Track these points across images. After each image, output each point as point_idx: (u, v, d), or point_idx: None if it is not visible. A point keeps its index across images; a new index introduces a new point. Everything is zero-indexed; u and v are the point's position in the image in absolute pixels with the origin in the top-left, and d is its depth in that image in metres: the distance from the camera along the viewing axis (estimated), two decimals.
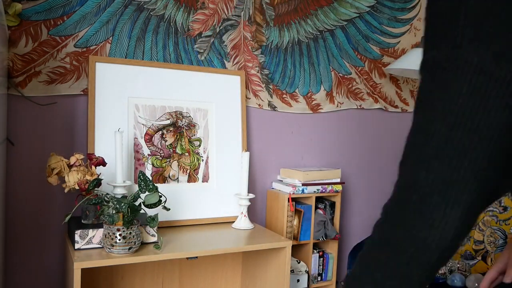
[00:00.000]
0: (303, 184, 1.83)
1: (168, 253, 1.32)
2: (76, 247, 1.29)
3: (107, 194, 1.29)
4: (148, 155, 1.62)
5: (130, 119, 1.60)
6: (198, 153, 1.71)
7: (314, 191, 1.87)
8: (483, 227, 1.95)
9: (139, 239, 1.29)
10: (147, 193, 1.30)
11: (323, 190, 1.89)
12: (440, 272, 1.87)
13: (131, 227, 1.26)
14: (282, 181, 1.94)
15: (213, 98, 1.75)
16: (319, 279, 1.95)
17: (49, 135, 1.55)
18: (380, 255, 0.55)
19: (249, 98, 1.89)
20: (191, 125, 1.71)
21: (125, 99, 1.59)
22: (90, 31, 1.58)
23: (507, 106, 0.49)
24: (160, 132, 1.65)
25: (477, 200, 0.52)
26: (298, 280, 1.85)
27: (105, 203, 1.27)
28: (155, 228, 1.37)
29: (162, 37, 1.70)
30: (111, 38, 1.62)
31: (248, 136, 1.88)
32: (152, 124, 1.64)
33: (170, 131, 1.67)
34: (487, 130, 0.50)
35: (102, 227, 1.30)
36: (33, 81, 1.50)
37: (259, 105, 1.92)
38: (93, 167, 1.38)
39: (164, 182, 1.64)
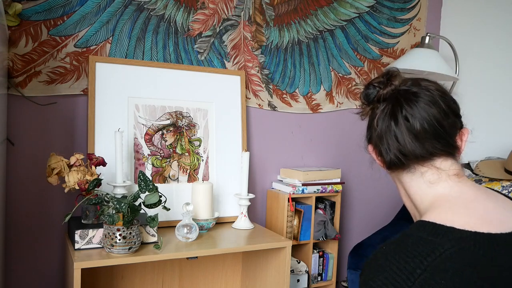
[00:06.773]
0: (303, 184, 1.83)
1: (168, 253, 1.32)
2: (76, 247, 1.29)
3: (107, 194, 1.29)
4: (148, 155, 1.62)
5: (130, 119, 1.60)
6: (198, 153, 1.71)
7: (314, 191, 1.87)
8: None
9: (139, 239, 1.29)
10: (147, 193, 1.30)
11: (323, 190, 1.89)
12: None
13: (131, 227, 1.26)
14: (282, 181, 1.94)
15: (213, 98, 1.75)
16: (319, 279, 1.95)
17: (49, 135, 1.55)
18: None
19: (249, 98, 1.89)
20: (191, 125, 1.71)
21: (125, 99, 1.59)
22: (90, 31, 1.58)
23: None
24: (160, 132, 1.65)
25: None
26: (298, 280, 1.85)
27: (105, 203, 1.27)
28: (155, 228, 1.37)
29: (162, 37, 1.70)
30: (111, 38, 1.62)
31: (248, 136, 1.88)
32: (152, 124, 1.64)
33: (170, 131, 1.67)
34: None
35: (102, 227, 1.30)
36: (33, 81, 1.50)
37: (259, 105, 1.92)
38: (93, 167, 1.38)
39: (164, 182, 1.64)
